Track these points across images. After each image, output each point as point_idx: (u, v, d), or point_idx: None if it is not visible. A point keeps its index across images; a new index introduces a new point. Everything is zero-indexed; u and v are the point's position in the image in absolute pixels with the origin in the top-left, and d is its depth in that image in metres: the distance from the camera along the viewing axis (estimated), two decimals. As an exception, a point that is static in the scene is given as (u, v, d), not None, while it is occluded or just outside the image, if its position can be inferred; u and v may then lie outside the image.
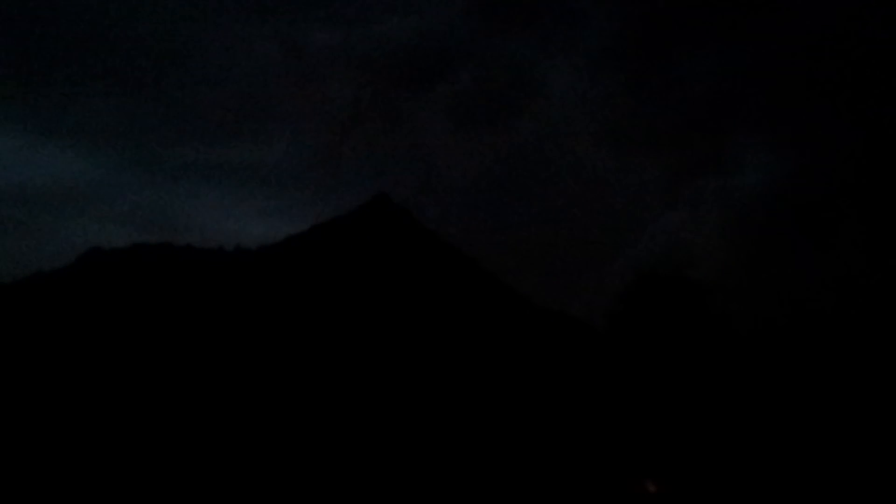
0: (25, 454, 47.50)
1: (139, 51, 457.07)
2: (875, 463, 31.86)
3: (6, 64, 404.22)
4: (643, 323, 39.79)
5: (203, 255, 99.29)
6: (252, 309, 77.43)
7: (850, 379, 35.99)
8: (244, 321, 74.12)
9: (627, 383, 38.93)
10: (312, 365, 64.94)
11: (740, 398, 37.37)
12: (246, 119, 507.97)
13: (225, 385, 60.44)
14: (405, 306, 79.98)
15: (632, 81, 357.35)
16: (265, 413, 55.59)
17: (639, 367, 38.79)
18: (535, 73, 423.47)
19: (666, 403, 37.13)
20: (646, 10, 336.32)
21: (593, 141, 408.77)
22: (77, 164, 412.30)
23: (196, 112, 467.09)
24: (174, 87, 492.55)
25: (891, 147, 65.84)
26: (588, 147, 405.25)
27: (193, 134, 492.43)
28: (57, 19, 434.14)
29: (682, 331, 39.19)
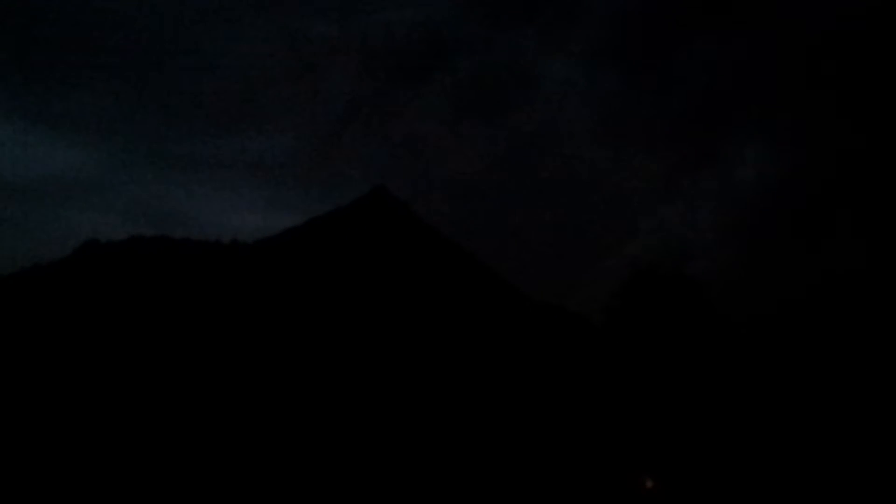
0: (23, 446, 47.58)
1: (136, 44, 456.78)
2: (873, 460, 31.99)
3: (4, 56, 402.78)
4: (640, 318, 39.89)
5: (200, 247, 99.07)
6: (249, 302, 77.34)
7: (847, 375, 36.10)
8: (241, 314, 74.06)
9: (625, 378, 39.04)
10: (310, 358, 64.96)
11: (737, 394, 37.51)
12: (244, 112, 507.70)
13: (222, 378, 60.47)
14: (403, 300, 79.95)
15: (630, 77, 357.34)
16: (263, 406, 55.68)
17: (636, 362, 38.89)
18: (533, 67, 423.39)
19: (663, 399, 37.26)
20: (644, 5, 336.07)
21: (590, 136, 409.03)
22: (74, 156, 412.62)
23: (194, 105, 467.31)
24: (172, 79, 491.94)
25: (887, 144, 65.93)
26: (585, 141, 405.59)
27: (191, 127, 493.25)
28: (55, 11, 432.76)
29: (679, 326, 39.30)
